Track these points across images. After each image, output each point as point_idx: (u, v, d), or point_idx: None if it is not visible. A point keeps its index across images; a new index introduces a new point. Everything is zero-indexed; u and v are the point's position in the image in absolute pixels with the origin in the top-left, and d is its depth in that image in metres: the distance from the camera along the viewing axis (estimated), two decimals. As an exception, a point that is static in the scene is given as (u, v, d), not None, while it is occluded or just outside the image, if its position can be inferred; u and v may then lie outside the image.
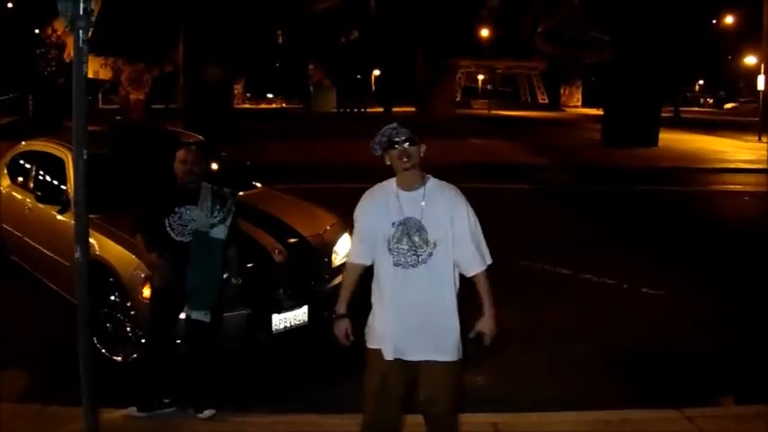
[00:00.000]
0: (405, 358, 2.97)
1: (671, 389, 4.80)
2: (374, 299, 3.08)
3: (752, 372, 4.97)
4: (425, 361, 2.97)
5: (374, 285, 3.09)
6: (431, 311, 2.97)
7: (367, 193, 3.11)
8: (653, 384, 4.91)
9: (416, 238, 2.94)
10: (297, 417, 4.21)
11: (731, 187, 15.28)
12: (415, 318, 2.96)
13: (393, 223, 2.96)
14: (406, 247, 2.94)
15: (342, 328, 3.08)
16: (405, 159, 2.93)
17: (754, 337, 5.59)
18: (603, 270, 7.61)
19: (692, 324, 6.08)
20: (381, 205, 3.00)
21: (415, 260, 2.94)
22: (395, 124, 2.97)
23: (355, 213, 3.11)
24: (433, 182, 3.03)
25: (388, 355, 2.96)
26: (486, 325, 3.04)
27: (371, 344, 3.05)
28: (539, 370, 5.15)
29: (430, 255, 2.94)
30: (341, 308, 3.12)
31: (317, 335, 5.26)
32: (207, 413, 4.16)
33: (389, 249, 2.97)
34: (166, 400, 4.23)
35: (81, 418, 3.42)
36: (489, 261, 3.07)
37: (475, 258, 3.02)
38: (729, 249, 8.85)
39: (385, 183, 3.07)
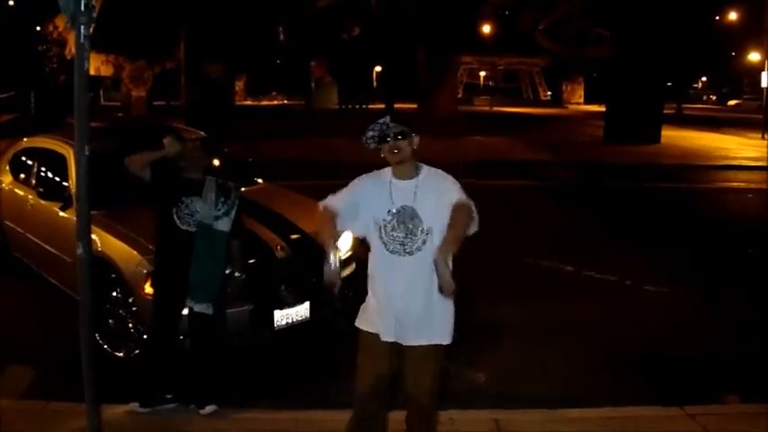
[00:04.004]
0: (398, 342, 3.06)
1: (674, 386, 4.80)
2: (369, 286, 3.17)
3: (755, 370, 4.96)
4: (414, 346, 3.06)
5: (369, 273, 3.17)
6: (425, 297, 3.03)
7: (363, 176, 3.18)
8: (656, 381, 4.91)
9: (411, 226, 3.01)
10: (299, 413, 4.21)
11: (734, 184, 15.24)
12: (408, 304, 3.03)
13: (389, 211, 3.04)
14: (402, 235, 3.02)
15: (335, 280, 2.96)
16: (395, 152, 3.02)
17: (758, 335, 5.58)
18: (606, 267, 7.61)
19: (694, 321, 6.07)
20: (378, 191, 3.09)
21: (410, 248, 3.01)
22: (387, 118, 3.06)
23: (354, 183, 3.16)
24: (426, 170, 3.11)
25: (384, 338, 3.05)
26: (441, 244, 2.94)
27: (364, 327, 3.15)
28: (541, 367, 5.14)
29: (424, 242, 3.01)
30: (332, 250, 2.97)
31: (319, 331, 5.28)
32: (209, 409, 4.17)
33: (383, 237, 3.04)
34: (169, 396, 4.24)
35: (83, 414, 3.41)
36: (475, 227, 3.03)
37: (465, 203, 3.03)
38: (733, 247, 8.83)
39: (382, 171, 3.16)
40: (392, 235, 3.03)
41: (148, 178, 4.18)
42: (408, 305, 3.03)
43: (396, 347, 3.08)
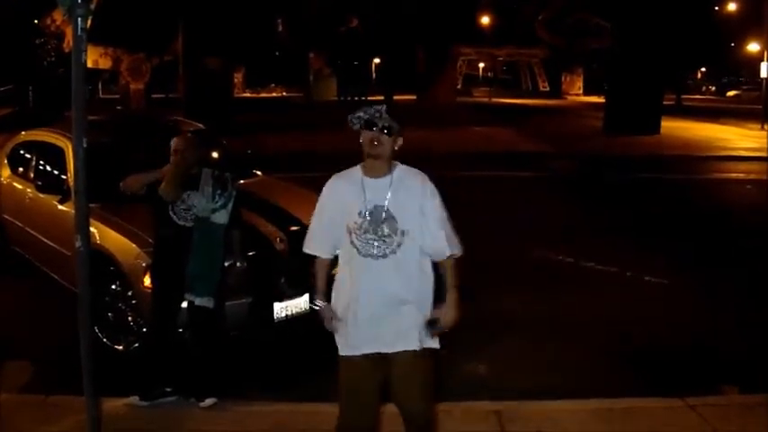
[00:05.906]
0: (377, 351, 2.87)
1: (673, 377, 4.80)
2: (335, 295, 2.96)
3: (755, 361, 4.96)
4: (396, 352, 2.87)
5: (339, 280, 2.97)
6: (400, 301, 2.86)
7: (331, 179, 2.97)
8: (655, 373, 4.91)
9: (385, 228, 2.82)
10: (298, 405, 4.21)
11: (734, 175, 15.22)
12: (385, 309, 2.85)
13: (360, 213, 2.83)
14: (374, 237, 2.82)
15: (329, 317, 2.96)
16: (375, 144, 2.81)
17: (757, 327, 5.57)
18: (606, 258, 7.60)
19: (694, 313, 6.07)
20: (350, 191, 2.87)
21: (383, 251, 2.82)
22: (383, 107, 2.85)
23: (323, 197, 2.97)
24: (400, 169, 2.91)
25: (362, 350, 2.87)
26: (443, 312, 2.89)
27: (339, 340, 2.97)
28: (541, 358, 5.14)
29: (399, 245, 2.82)
30: (321, 298, 2.99)
31: (319, 323, 5.27)
32: (208, 402, 4.17)
33: (354, 240, 2.84)
34: (168, 389, 4.24)
35: (83, 407, 3.42)
36: (459, 251, 2.93)
37: (445, 244, 2.89)
38: (733, 238, 8.82)
39: (350, 170, 2.94)
40: (364, 237, 2.82)
41: (145, 192, 4.19)
42: (385, 309, 2.84)
43: (378, 357, 2.87)
